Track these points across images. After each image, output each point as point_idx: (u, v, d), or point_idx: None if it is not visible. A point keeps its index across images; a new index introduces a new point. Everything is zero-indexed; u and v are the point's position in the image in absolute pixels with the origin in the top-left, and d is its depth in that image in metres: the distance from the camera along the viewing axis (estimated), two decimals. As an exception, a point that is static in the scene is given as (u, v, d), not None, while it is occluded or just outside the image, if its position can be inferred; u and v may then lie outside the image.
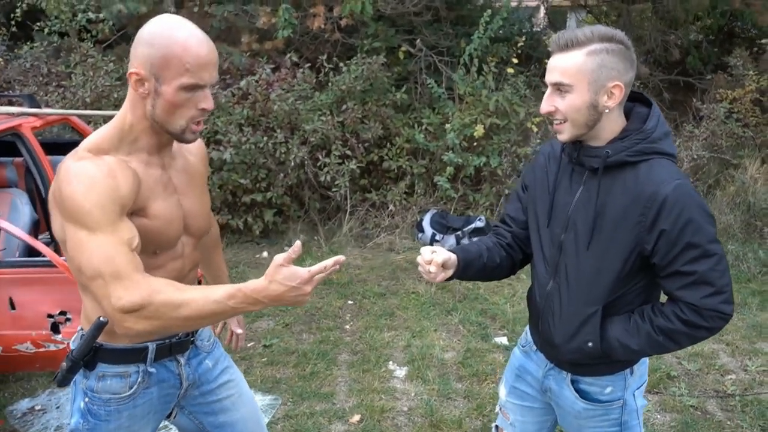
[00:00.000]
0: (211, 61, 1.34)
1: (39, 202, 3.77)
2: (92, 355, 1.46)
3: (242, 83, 5.38)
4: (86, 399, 1.50)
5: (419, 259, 1.60)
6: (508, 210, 1.82)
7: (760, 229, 5.30)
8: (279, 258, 1.28)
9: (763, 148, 6.29)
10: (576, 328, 1.57)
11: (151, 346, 1.51)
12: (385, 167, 5.79)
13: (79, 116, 4.60)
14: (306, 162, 5.34)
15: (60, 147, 4.66)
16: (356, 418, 3.03)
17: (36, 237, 3.54)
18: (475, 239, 1.85)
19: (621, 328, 1.53)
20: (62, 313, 2.78)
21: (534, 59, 6.84)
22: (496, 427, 1.93)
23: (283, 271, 1.26)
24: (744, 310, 4.17)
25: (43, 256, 2.72)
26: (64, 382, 1.45)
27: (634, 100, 1.56)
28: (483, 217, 5.40)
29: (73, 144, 4.86)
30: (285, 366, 3.51)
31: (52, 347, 2.79)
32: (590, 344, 1.56)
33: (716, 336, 3.79)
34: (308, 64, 5.69)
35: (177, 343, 1.57)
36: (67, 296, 2.76)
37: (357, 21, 5.99)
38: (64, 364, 1.45)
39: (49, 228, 3.86)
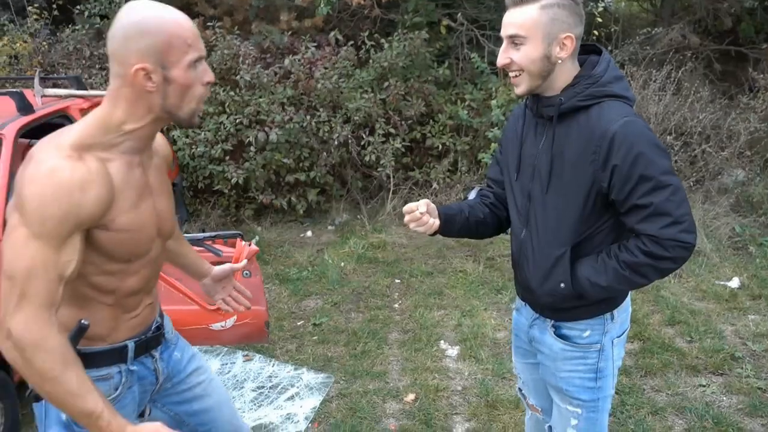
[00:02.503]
0: (197, 31, 1.34)
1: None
2: None
3: (285, 62, 5.32)
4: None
5: (406, 216, 1.69)
6: (489, 173, 1.93)
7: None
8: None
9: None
10: (548, 271, 1.63)
11: (130, 344, 1.48)
12: (428, 145, 5.70)
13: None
14: (350, 141, 5.28)
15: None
16: (411, 397, 2.99)
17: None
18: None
19: (590, 266, 1.59)
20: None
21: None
22: (519, 389, 2.04)
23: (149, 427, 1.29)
24: (809, 288, 4.00)
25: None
26: (40, 396, 1.37)
27: (589, 53, 1.63)
28: (529, 195, 5.28)
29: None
30: (336, 344, 3.49)
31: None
32: (562, 285, 1.62)
33: (781, 315, 3.66)
34: (350, 42, 5.61)
35: (152, 337, 1.55)
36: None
37: (397, -4, 5.88)
38: None
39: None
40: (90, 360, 1.39)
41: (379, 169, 5.39)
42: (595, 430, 1.75)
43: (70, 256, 1.25)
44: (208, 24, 5.58)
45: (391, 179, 5.51)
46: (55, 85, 4.97)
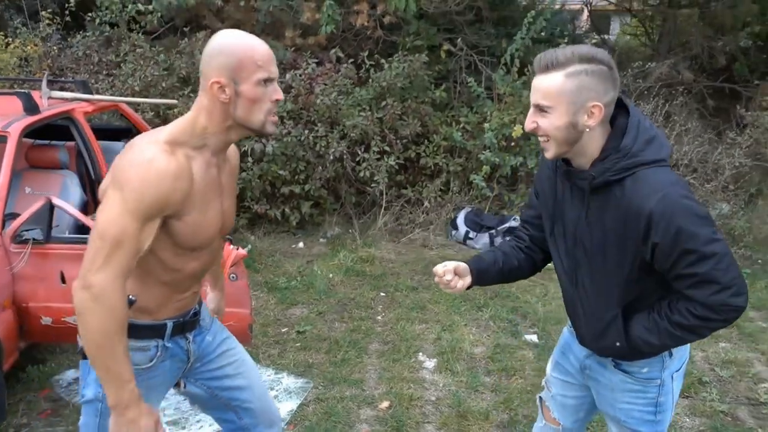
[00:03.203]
0: (273, 57, 1.54)
1: (89, 184, 3.93)
2: None
3: (287, 76, 5.49)
4: None
5: (436, 278, 1.75)
6: (525, 215, 1.92)
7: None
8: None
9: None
10: (602, 331, 1.66)
11: (169, 324, 1.67)
12: (422, 164, 5.84)
13: (129, 103, 4.78)
14: (345, 156, 5.42)
15: (110, 133, 4.84)
16: (385, 404, 3.10)
17: (85, 216, 3.69)
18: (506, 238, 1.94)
19: (642, 327, 1.59)
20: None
21: (575, 61, 6.79)
22: (540, 398, 2.02)
23: (152, 420, 1.49)
24: (781, 321, 4.11)
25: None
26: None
27: (619, 107, 1.57)
28: (517, 217, 5.41)
29: (122, 130, 5.05)
30: (317, 352, 3.60)
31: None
32: (618, 344, 1.64)
33: (751, 345, 3.77)
34: (351, 60, 5.78)
35: (188, 321, 1.73)
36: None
37: (399, 18, 6.06)
38: None
39: (97, 210, 4.03)
40: (134, 331, 1.57)
41: (372, 185, 5.53)
42: None
43: (148, 234, 1.45)
44: (214, 37, 5.75)
45: (384, 196, 5.64)
46: (62, 89, 5.12)
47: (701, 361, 3.58)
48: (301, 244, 5.34)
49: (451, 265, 1.74)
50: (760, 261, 5.11)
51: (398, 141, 5.65)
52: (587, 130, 1.50)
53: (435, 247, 5.35)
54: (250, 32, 1.56)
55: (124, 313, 1.43)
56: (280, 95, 1.55)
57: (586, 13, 9.72)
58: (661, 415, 1.72)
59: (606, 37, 10.02)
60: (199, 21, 6.47)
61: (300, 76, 5.51)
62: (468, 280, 1.77)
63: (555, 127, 1.49)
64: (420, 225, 5.62)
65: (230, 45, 1.49)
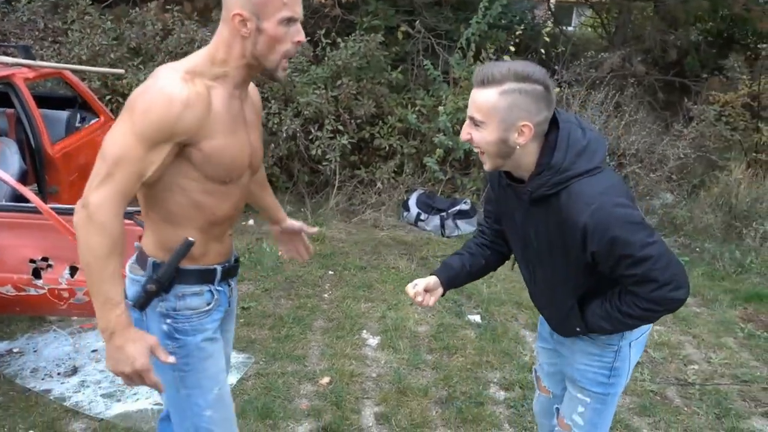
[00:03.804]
0: None
1: (28, 153, 3.80)
2: (173, 276, 1.58)
3: (239, 51, 5.39)
4: (168, 320, 1.59)
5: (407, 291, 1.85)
6: (485, 209, 2.02)
7: (740, 230, 5.39)
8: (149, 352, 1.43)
9: (750, 152, 6.38)
10: (563, 319, 1.79)
11: (219, 268, 1.66)
12: (376, 145, 5.84)
13: (74, 71, 4.63)
14: (298, 134, 5.38)
15: (53, 101, 4.69)
16: (326, 380, 3.11)
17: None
18: (469, 245, 2.01)
19: (596, 315, 1.70)
20: (44, 259, 2.82)
21: (531, 49, 6.88)
22: (534, 370, 2.18)
23: (141, 346, 1.42)
24: (714, 306, 4.27)
25: (29, 203, 2.76)
26: (146, 304, 1.57)
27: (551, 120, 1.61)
28: (468, 201, 5.47)
29: (66, 99, 4.89)
30: (261, 328, 3.58)
31: (33, 292, 2.84)
32: (578, 329, 1.76)
33: (684, 328, 3.91)
34: (307, 38, 5.71)
35: (233, 266, 1.74)
36: (50, 243, 2.80)
37: (358, -2, 6.02)
38: (150, 286, 1.55)
39: (37, 179, 3.91)
40: (186, 276, 1.59)
41: (324, 164, 5.50)
42: (599, 420, 1.87)
43: (154, 159, 1.42)
44: (167, 7, 5.61)
45: (337, 175, 5.62)
46: (4, 54, 4.94)
47: (636, 343, 3.70)
48: (251, 221, 5.29)
49: (421, 284, 1.84)
50: (698, 249, 5.29)
51: (352, 121, 5.63)
52: (518, 147, 1.54)
53: (386, 228, 5.36)
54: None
55: (117, 233, 1.39)
56: (302, 37, 1.51)
57: (547, 5, 9.81)
58: (615, 379, 1.82)
59: (565, 28, 10.15)
60: (152, -10, 6.30)
61: (254, 51, 5.41)
62: (439, 292, 1.87)
63: (486, 141, 1.54)
64: (372, 206, 5.62)
65: None
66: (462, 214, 5.34)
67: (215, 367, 1.67)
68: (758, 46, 6.96)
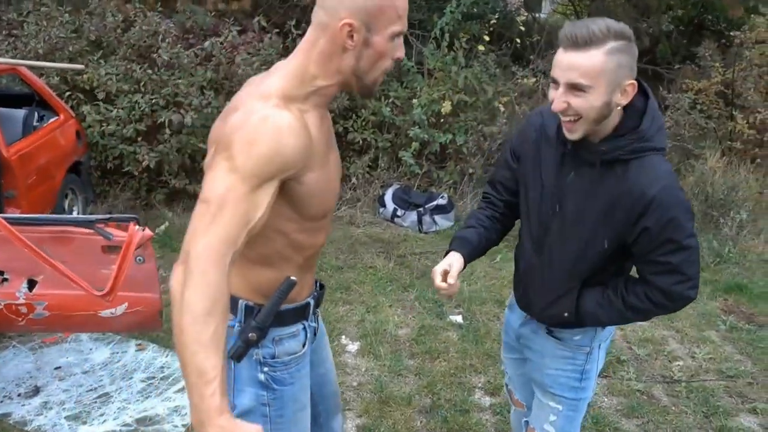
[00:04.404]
0: (408, 6, 1.34)
1: (-20, 154, 3.58)
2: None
3: (206, 44, 5.19)
4: (266, 368, 1.44)
5: (437, 285, 1.67)
6: (499, 176, 1.84)
7: (716, 219, 5.37)
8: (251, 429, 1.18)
9: (725, 140, 6.38)
10: (555, 300, 1.67)
11: (311, 301, 1.52)
12: (350, 139, 5.69)
13: (30, 67, 4.39)
14: (268, 129, 5.19)
15: (7, 99, 4.44)
16: (304, 391, 2.98)
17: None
18: (471, 221, 1.87)
19: (594, 302, 1.63)
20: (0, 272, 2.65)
21: (505, 38, 6.78)
22: (506, 385, 2.09)
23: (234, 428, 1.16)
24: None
25: (-21, 212, 2.57)
26: (244, 355, 1.38)
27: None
28: (446, 195, 5.36)
29: (22, 96, 4.66)
30: (235, 336, 3.43)
31: (-12, 306, 2.66)
32: (566, 314, 1.66)
33: (666, 322, 3.86)
34: (276, 30, 5.52)
35: (320, 294, 1.59)
36: (5, 255, 2.63)
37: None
38: (251, 335, 1.36)
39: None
40: (283, 318, 1.43)
41: (297, 161, 5.33)
42: (571, 429, 1.81)
43: (262, 200, 1.22)
44: (129, -2, 5.37)
45: (311, 171, 5.45)
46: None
47: (620, 340, 3.64)
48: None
49: (453, 271, 1.67)
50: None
51: (325, 115, 5.46)
52: (618, 107, 1.47)
53: (362, 225, 5.23)
54: None
55: (218, 287, 1.16)
56: (403, 52, 1.35)
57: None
58: (586, 382, 1.77)
59: (537, 15, 10.07)
60: (113, -20, 6.02)
61: (221, 44, 5.21)
62: (457, 281, 1.70)
63: (591, 107, 1.43)
64: (347, 202, 5.48)
65: None
66: (439, 209, 5.23)
67: (306, 420, 1.54)
68: (730, 33, 6.95)
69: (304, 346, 1.49)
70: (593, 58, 1.38)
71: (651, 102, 1.52)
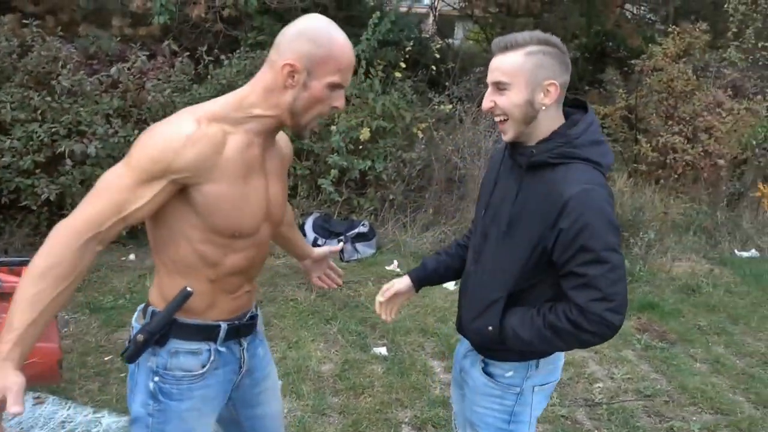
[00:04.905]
0: (354, 66, 1.46)
1: None
2: (167, 329, 1.45)
3: (113, 70, 4.94)
4: (156, 378, 1.47)
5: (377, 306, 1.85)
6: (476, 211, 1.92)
7: (627, 239, 5.59)
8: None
9: (630, 162, 6.68)
10: (481, 311, 1.64)
11: (223, 326, 1.52)
12: (268, 167, 5.54)
13: None
14: (181, 159, 4.98)
15: None
16: (222, 439, 2.80)
17: None
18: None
19: (518, 318, 1.59)
20: None
21: (421, 65, 6.86)
22: (453, 420, 2.05)
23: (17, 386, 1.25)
24: (611, 318, 4.35)
25: None
26: (135, 356, 1.44)
27: (577, 107, 1.63)
28: (367, 222, 5.31)
29: None
30: (146, 382, 3.20)
31: None
32: (490, 328, 1.62)
33: (586, 344, 3.93)
34: (187, 54, 5.34)
35: (245, 325, 1.59)
36: None
37: (241, 12, 5.71)
38: (139, 336, 1.43)
39: None
40: (183, 331, 1.47)
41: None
42: None
43: (142, 195, 1.32)
44: (25, 21, 5.04)
45: (227, 201, 5.27)
46: None
47: (542, 365, 3.67)
48: (132, 256, 4.83)
49: (392, 289, 1.84)
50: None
51: (241, 143, 5.31)
52: (543, 108, 1.52)
53: (282, 255, 5.07)
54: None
55: (60, 262, 1.26)
56: (342, 104, 1.46)
57: (432, 18, 9.92)
58: (515, 425, 1.71)
59: (450, 41, 10.32)
60: (8, 2, 5.66)
61: (129, 69, 4.98)
62: (408, 293, 1.89)
63: (513, 104, 1.52)
64: (266, 232, 5.32)
65: (323, 35, 1.40)
66: (361, 237, 5.17)
67: None
68: (630, 61, 7.33)
69: (204, 367, 1.50)
70: (513, 57, 1.51)
71: (588, 115, 1.58)
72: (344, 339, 3.79)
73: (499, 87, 1.53)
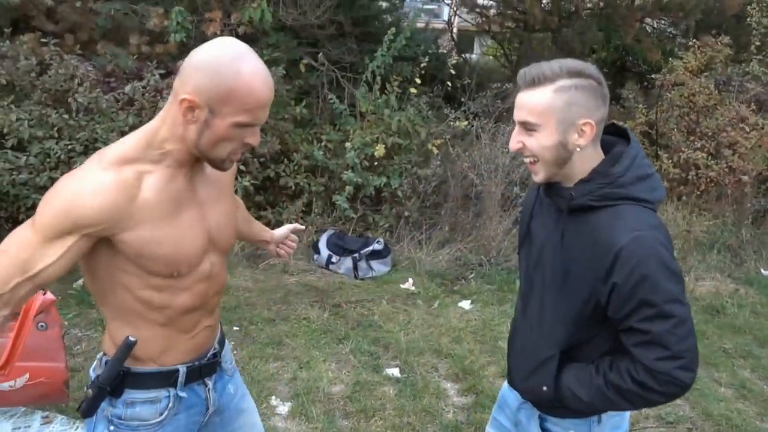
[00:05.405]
0: (269, 102, 1.31)
1: None
2: (119, 380, 1.40)
3: (127, 88, 4.96)
4: (112, 427, 1.43)
5: None
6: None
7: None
8: None
9: (651, 178, 6.54)
10: (533, 370, 1.52)
11: (182, 369, 1.46)
12: (282, 184, 5.53)
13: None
14: (195, 176, 4.98)
15: None
16: (229, 464, 2.74)
17: None
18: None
19: (574, 377, 1.45)
20: None
21: (437, 80, 6.82)
22: None
23: None
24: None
25: None
26: (89, 411, 1.40)
27: (619, 135, 1.48)
28: (381, 240, 5.25)
29: None
30: (154, 403, 3.16)
31: None
32: (545, 388, 1.49)
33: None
34: (202, 72, 5.34)
35: (206, 365, 1.52)
36: None
37: (257, 30, 5.72)
38: (89, 391, 1.39)
39: None
40: (138, 380, 1.41)
41: (226, 208, 5.12)
42: None
43: (49, 253, 1.22)
44: (43, 40, 5.10)
45: (241, 218, 5.25)
46: None
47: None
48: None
49: None
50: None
51: (255, 160, 5.30)
52: (578, 149, 1.37)
53: (296, 273, 5.04)
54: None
55: None
56: (256, 141, 1.33)
57: (449, 34, 9.90)
58: None
59: (468, 56, 10.28)
60: (28, 21, 5.73)
61: (144, 88, 5.00)
62: None
63: (543, 147, 1.37)
64: (280, 249, 5.28)
65: (228, 70, 1.23)
66: (375, 255, 5.10)
67: None
68: (650, 75, 7.22)
69: (161, 415, 1.44)
70: (541, 94, 1.35)
71: (632, 148, 1.41)
72: (356, 359, 3.73)
73: (527, 128, 1.38)
